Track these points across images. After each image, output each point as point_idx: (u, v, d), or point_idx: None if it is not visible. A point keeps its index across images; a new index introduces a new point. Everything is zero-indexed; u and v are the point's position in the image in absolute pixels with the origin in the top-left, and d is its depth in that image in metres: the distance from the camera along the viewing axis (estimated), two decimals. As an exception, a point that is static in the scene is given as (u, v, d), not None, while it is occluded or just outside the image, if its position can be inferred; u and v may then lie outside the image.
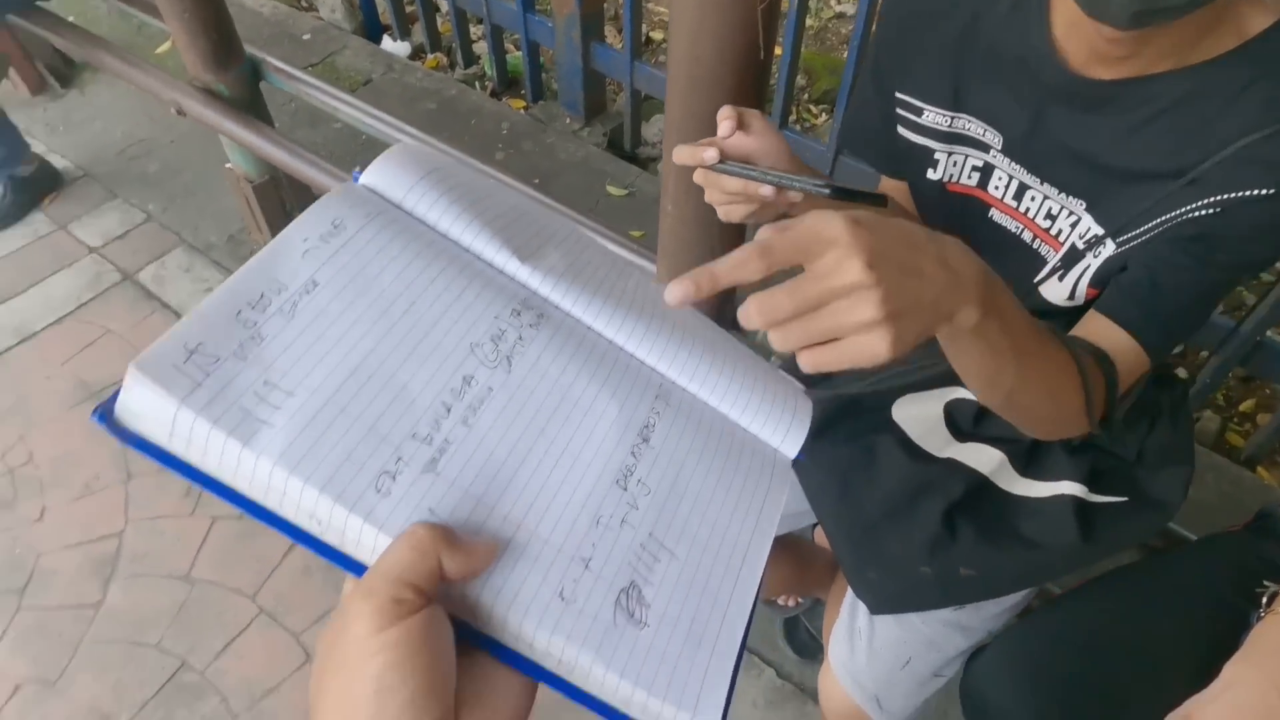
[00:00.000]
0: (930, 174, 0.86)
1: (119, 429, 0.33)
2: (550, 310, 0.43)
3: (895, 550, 0.88)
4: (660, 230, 1.14)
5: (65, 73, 2.63)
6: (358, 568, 0.34)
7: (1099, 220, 0.76)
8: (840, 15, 3.15)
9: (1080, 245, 0.78)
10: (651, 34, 3.02)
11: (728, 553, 0.41)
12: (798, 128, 2.57)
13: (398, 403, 0.36)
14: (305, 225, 0.40)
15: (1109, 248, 0.75)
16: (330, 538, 0.35)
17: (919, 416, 0.92)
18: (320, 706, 0.31)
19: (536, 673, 0.35)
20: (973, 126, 0.81)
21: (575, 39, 2.31)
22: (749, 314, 0.43)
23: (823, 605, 1.31)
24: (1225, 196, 0.66)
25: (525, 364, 0.40)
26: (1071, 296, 0.81)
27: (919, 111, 0.84)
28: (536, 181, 2.31)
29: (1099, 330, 0.74)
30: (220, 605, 1.54)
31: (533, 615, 0.34)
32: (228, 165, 1.95)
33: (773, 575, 1.15)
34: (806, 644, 1.43)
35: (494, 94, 2.70)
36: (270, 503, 0.34)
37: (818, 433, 0.97)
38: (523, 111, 2.58)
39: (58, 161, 2.36)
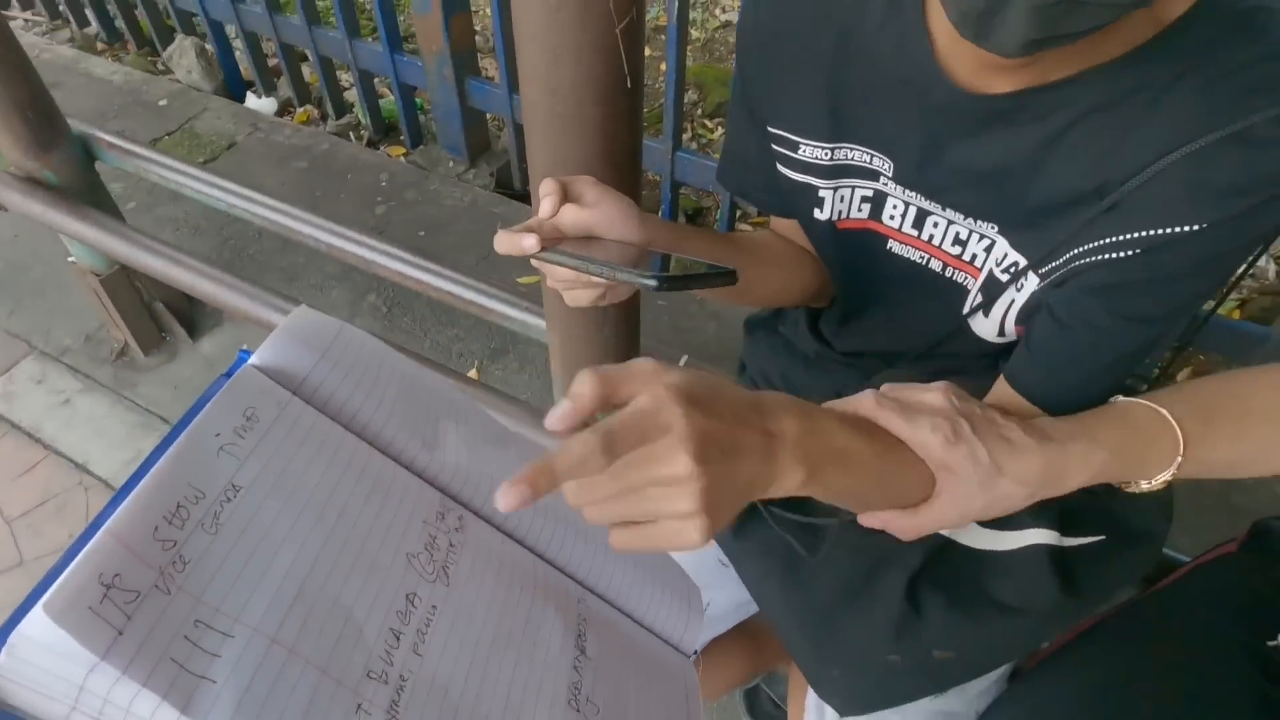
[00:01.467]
0: (818, 213, 0.75)
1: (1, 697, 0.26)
2: (467, 515, 0.40)
3: (858, 639, 0.76)
4: (544, 287, 1.00)
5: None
6: None
7: (1017, 247, 0.66)
8: (728, 24, 3.06)
9: (1000, 275, 0.68)
10: (533, 61, 2.89)
11: None
12: (694, 146, 2.46)
13: (347, 634, 0.32)
14: (215, 419, 0.34)
15: (1032, 280, 0.66)
16: None
17: None
18: None
19: None
20: (857, 154, 0.70)
21: (448, 77, 2.17)
22: (567, 490, 0.40)
23: (782, 672, 1.18)
24: (1149, 234, 0.56)
25: (461, 575, 0.38)
26: (1001, 333, 0.72)
27: (795, 147, 0.73)
28: (422, 234, 2.14)
29: (1005, 397, 0.66)
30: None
31: None
32: (70, 259, 1.74)
33: (728, 672, 1.02)
34: (771, 714, 1.30)
35: (371, 143, 2.54)
36: None
37: (749, 512, 0.85)
38: (403, 159, 2.42)
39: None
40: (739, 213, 1.96)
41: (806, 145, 0.72)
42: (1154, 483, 0.61)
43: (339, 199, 2.25)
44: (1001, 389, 0.69)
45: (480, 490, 0.42)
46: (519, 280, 1.98)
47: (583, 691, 0.37)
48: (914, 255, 0.74)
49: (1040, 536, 0.76)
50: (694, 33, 2.94)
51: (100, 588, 0.27)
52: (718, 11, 3.11)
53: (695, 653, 0.46)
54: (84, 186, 1.62)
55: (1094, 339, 0.62)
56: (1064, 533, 0.76)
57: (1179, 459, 0.58)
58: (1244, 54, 0.52)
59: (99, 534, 0.28)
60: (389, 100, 2.55)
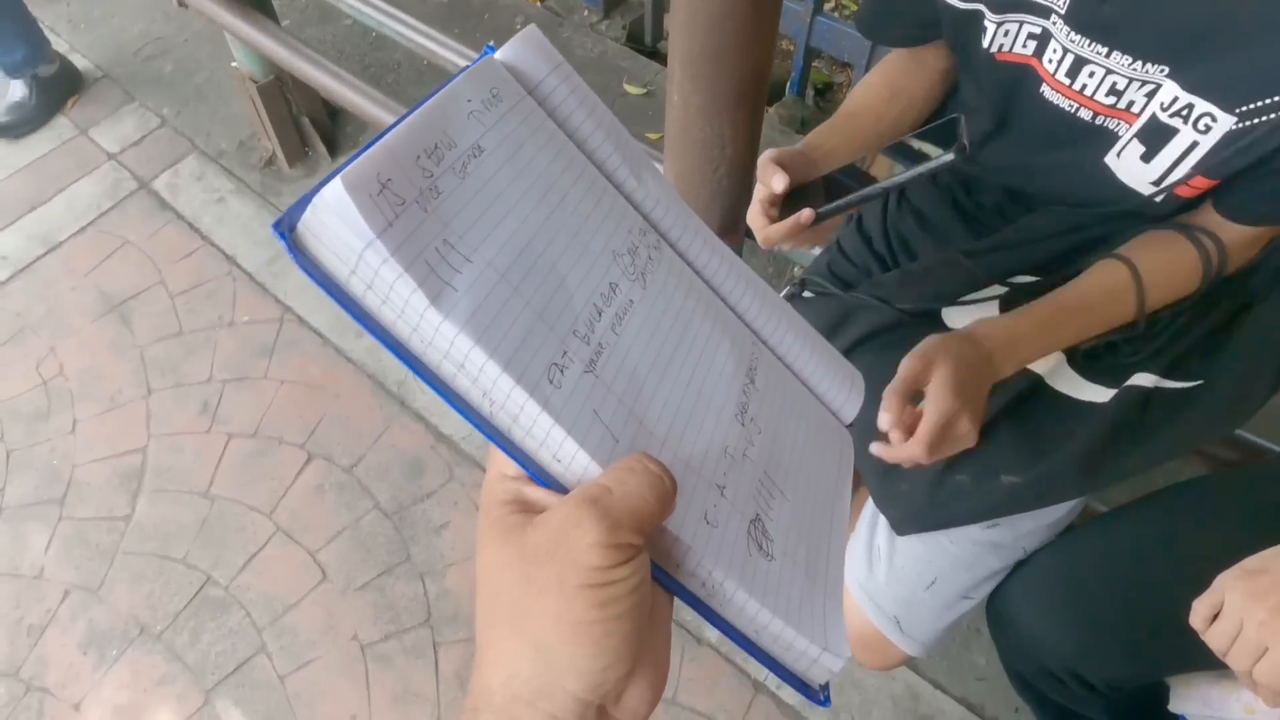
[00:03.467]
0: (982, 41, 0.77)
1: (297, 251, 0.29)
2: (664, 242, 0.42)
3: None
4: (667, 124, 1.04)
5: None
6: (520, 455, 0.32)
7: (1193, 89, 0.66)
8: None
9: (1167, 120, 0.68)
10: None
11: (824, 499, 0.42)
12: (835, 15, 2.37)
13: (560, 294, 0.34)
14: (468, 86, 0.36)
15: (1224, 121, 0.65)
16: (500, 420, 0.32)
17: (974, 319, 0.84)
18: (524, 626, 0.29)
19: (683, 594, 0.34)
20: None
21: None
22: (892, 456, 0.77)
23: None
24: None
25: (657, 283, 0.39)
26: (1159, 183, 0.72)
27: None
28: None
29: (1230, 232, 0.74)
30: (239, 522, 1.54)
31: (682, 533, 0.33)
32: (233, 64, 1.87)
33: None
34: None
35: (512, -16, 2.54)
36: (444, 372, 0.31)
37: (859, 340, 0.91)
38: (538, 5, 2.43)
39: (79, 61, 2.30)
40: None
41: None
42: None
43: (474, 37, 2.29)
44: (1225, 226, 0.75)
45: (676, 227, 0.43)
46: (647, 135, 2.02)
47: (749, 412, 0.40)
48: (1064, 104, 0.75)
49: (1142, 379, 0.80)
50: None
51: (377, 183, 0.30)
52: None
53: (850, 425, 0.47)
54: (252, -5, 1.71)
55: None
56: (1166, 375, 0.80)
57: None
58: None
59: (376, 144, 0.31)
60: (533, -59, 2.53)
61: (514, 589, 0.29)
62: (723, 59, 0.93)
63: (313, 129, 2.02)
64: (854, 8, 2.43)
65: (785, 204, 0.80)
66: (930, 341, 0.75)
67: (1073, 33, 0.70)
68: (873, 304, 0.91)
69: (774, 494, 0.39)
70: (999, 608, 0.88)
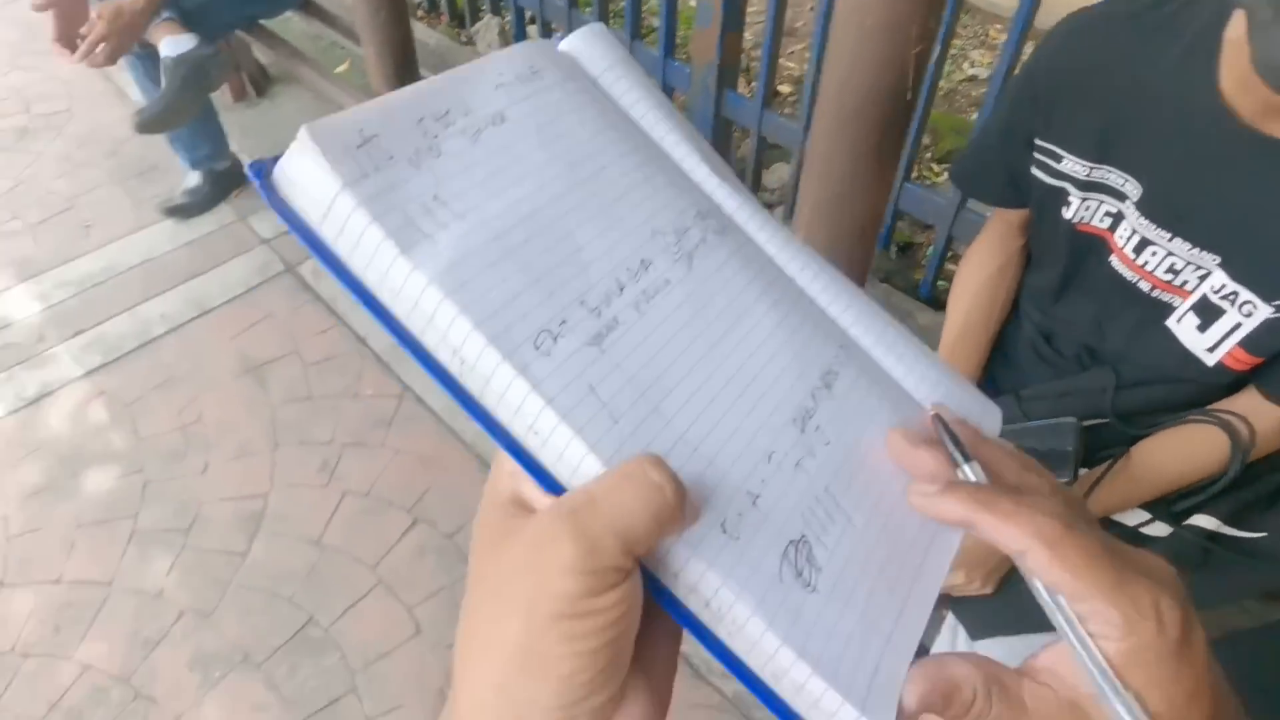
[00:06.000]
0: (1064, 212, 0.89)
1: (272, 193, 0.30)
2: (736, 228, 0.39)
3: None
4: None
5: (262, 84, 2.97)
6: (492, 425, 0.30)
7: (1237, 277, 0.77)
8: (972, 79, 3.21)
9: (1216, 300, 0.79)
10: (780, 87, 3.14)
11: (910, 538, 0.34)
12: (919, 183, 2.62)
13: (569, 263, 0.32)
14: (500, 63, 0.36)
15: (1262, 310, 0.76)
16: (471, 383, 0.30)
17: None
18: (488, 651, 0.26)
19: (678, 612, 0.29)
20: (1114, 177, 0.83)
21: (710, 85, 2.45)
22: None
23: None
24: None
25: (707, 267, 0.36)
26: (1213, 350, 0.82)
27: (1058, 158, 0.87)
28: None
29: (1262, 412, 0.79)
30: (344, 571, 1.67)
31: (688, 540, 0.28)
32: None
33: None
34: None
35: (628, 132, 2.87)
36: (413, 325, 0.30)
37: None
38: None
39: (246, 160, 2.64)
40: (950, 253, 2.11)
41: (1070, 159, 0.86)
42: None
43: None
44: (1258, 404, 0.82)
45: (755, 216, 0.40)
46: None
47: (814, 419, 0.35)
48: (1127, 274, 0.86)
49: (1203, 521, 0.87)
50: (940, 81, 3.09)
51: (359, 136, 0.30)
52: (965, 65, 3.26)
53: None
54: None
55: None
56: (1229, 523, 0.86)
57: None
58: None
59: (372, 100, 0.32)
60: (650, 98, 2.87)
61: (486, 604, 0.26)
62: (846, 203, 1.13)
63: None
64: (937, 180, 2.68)
65: None
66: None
67: (1143, 218, 0.80)
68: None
69: (835, 517, 0.33)
70: None
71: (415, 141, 0.32)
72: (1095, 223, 0.88)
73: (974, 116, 2.94)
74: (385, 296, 0.30)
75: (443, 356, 0.30)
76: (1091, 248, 0.89)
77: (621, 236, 0.34)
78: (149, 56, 2.11)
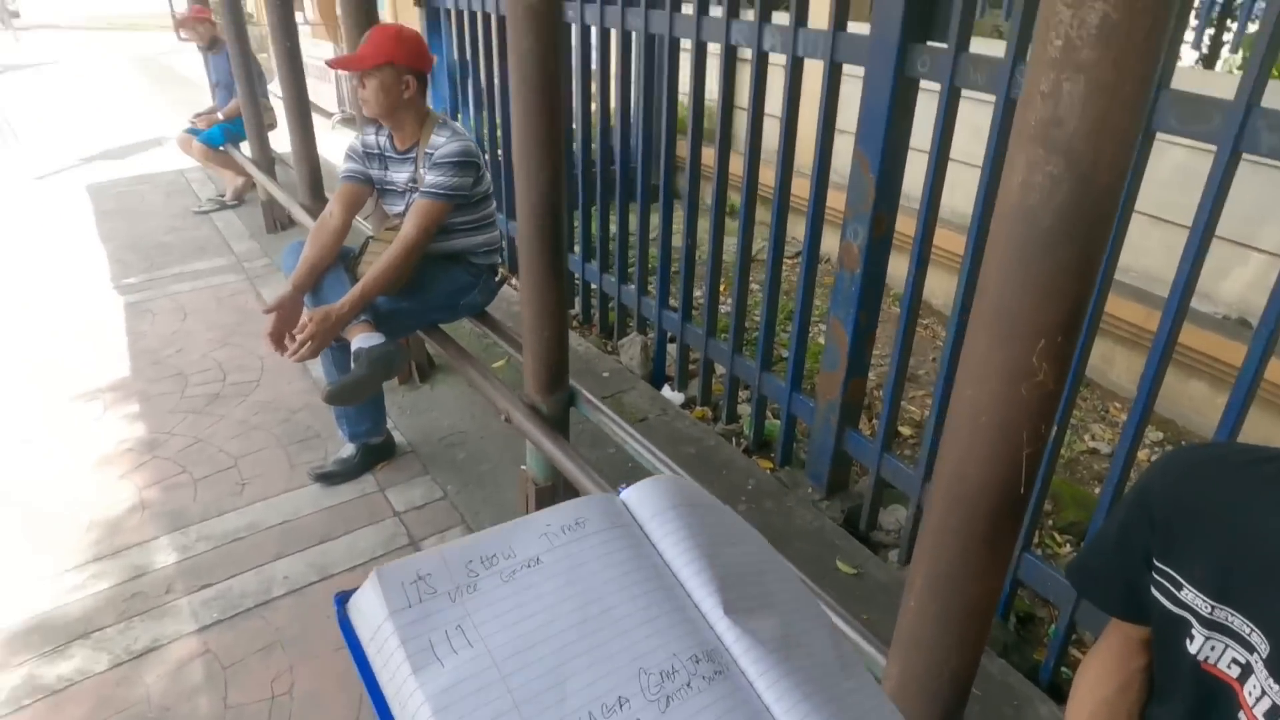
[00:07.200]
0: (1188, 645, 0.81)
1: (343, 618, 0.39)
2: (734, 672, 0.41)
3: None
4: (898, 628, 1.21)
5: (427, 371, 3.36)
6: None
7: None
8: (1093, 451, 3.21)
9: None
10: (900, 428, 3.23)
11: None
12: (1039, 552, 2.55)
13: (552, 692, 0.37)
14: (555, 515, 0.44)
15: None
16: None
17: None
18: None
19: None
20: (1236, 621, 0.77)
21: (833, 421, 2.57)
22: None
23: None
24: None
25: (684, 711, 0.38)
26: None
27: (1179, 585, 0.81)
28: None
29: None
30: None
31: None
32: (523, 467, 2.31)
33: None
34: None
35: (747, 451, 2.99)
36: None
37: None
38: (769, 472, 2.82)
39: (398, 437, 2.92)
40: (1074, 636, 1.99)
41: (1190, 590, 0.79)
42: None
43: (712, 486, 2.66)
44: None
45: (762, 665, 0.41)
46: (862, 615, 2.18)
47: None
48: None
49: None
50: (1060, 451, 3.11)
51: (414, 574, 0.39)
52: (1086, 438, 3.27)
53: None
54: (560, 421, 2.19)
55: None
56: None
57: None
58: None
59: (435, 549, 0.41)
60: (772, 423, 3.02)
61: None
62: (957, 583, 1.13)
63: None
64: (1059, 550, 2.60)
65: None
66: None
67: (1273, 680, 0.72)
68: None
69: None
70: None
71: (460, 579, 0.39)
72: (1223, 668, 0.80)
73: (1097, 491, 2.90)
74: (397, 710, 0.36)
75: None
76: (1221, 694, 0.82)
77: (607, 672, 0.38)
78: (341, 348, 2.45)
